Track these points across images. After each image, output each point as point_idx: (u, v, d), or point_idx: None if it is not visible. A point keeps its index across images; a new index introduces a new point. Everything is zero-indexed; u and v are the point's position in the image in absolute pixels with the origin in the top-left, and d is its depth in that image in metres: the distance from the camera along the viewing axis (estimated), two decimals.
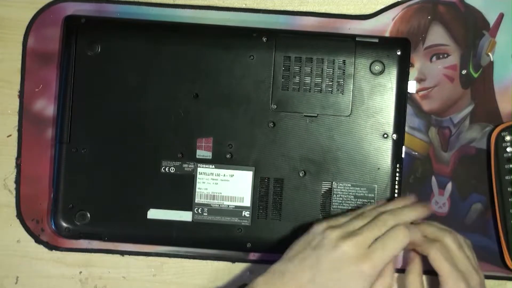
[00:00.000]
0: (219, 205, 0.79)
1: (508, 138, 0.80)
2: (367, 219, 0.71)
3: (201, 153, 0.79)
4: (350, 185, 0.78)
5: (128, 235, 0.80)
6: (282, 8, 0.83)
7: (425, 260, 0.75)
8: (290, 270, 0.69)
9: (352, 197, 0.79)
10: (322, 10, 0.83)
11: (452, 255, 0.73)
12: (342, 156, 0.78)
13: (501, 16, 0.82)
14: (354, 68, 0.79)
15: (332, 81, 0.79)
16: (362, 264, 0.68)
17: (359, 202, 0.79)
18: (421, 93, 0.82)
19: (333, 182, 0.79)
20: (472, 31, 0.82)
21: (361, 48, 0.79)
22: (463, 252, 0.73)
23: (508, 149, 0.80)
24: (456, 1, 0.82)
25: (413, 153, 0.82)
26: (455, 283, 0.71)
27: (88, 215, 0.79)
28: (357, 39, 0.79)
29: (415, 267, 0.75)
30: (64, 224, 0.79)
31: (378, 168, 0.79)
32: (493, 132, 0.81)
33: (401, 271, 0.81)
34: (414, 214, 0.72)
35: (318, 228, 0.71)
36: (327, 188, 0.79)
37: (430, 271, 0.74)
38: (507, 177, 0.79)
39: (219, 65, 0.79)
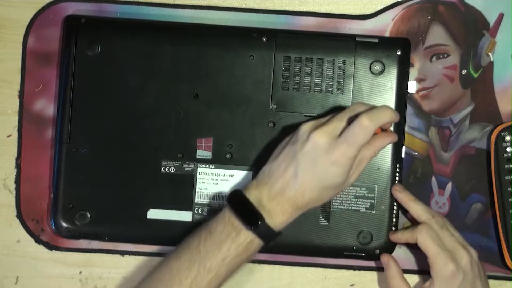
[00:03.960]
0: (219, 205, 0.79)
1: (508, 138, 0.80)
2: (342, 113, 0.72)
3: (201, 153, 0.79)
4: (350, 185, 0.78)
5: (128, 235, 0.80)
6: (282, 8, 0.83)
7: (419, 259, 0.75)
8: (275, 168, 0.71)
9: (352, 197, 0.79)
10: (322, 10, 0.83)
11: (438, 235, 0.74)
12: None
13: (501, 16, 0.82)
14: (354, 68, 0.79)
15: (332, 81, 0.79)
16: (332, 153, 0.69)
17: (359, 202, 0.79)
18: (421, 93, 0.82)
19: None
20: (472, 31, 0.82)
21: (361, 48, 0.79)
22: (447, 231, 0.75)
23: (508, 149, 0.80)
24: (456, 1, 0.82)
25: (413, 153, 0.82)
26: (444, 263, 0.73)
27: (88, 215, 0.79)
28: (357, 39, 0.79)
29: (394, 270, 0.76)
30: (64, 224, 0.79)
31: (378, 168, 0.79)
32: (493, 132, 0.81)
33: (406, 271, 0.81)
34: (386, 115, 0.71)
35: (299, 127, 0.72)
36: None
37: (424, 271, 0.75)
38: (507, 177, 0.79)
39: (219, 65, 0.79)
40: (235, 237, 0.70)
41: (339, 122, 0.71)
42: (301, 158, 0.70)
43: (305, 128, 0.71)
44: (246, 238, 0.70)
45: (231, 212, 0.70)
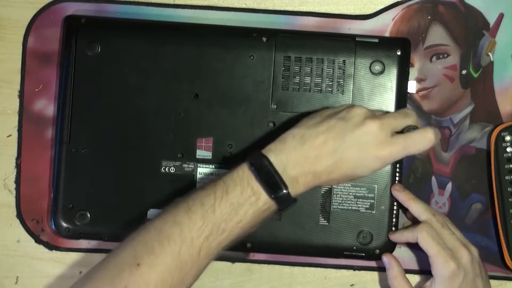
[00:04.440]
0: None
1: (508, 138, 0.80)
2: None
3: (201, 153, 0.79)
4: (350, 185, 0.78)
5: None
6: (282, 8, 0.83)
7: (419, 259, 0.75)
8: (312, 136, 0.69)
9: (352, 197, 0.79)
10: (322, 10, 0.83)
11: (438, 233, 0.74)
12: None
13: (501, 16, 0.82)
14: (354, 68, 0.79)
15: (332, 81, 0.79)
16: (382, 149, 0.69)
17: (359, 202, 0.79)
18: (421, 93, 0.82)
19: None
20: (472, 31, 0.82)
21: (361, 48, 0.79)
22: (448, 229, 0.75)
23: (508, 149, 0.80)
24: (456, 1, 0.82)
25: None
26: (445, 262, 0.73)
27: (88, 215, 0.79)
28: (357, 39, 0.79)
29: (396, 270, 0.76)
30: (64, 224, 0.79)
31: None
32: (493, 132, 0.81)
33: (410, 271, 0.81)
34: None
35: (342, 106, 0.71)
36: (327, 188, 0.79)
37: (424, 271, 0.75)
38: (507, 177, 0.79)
39: (219, 65, 0.79)
40: (254, 202, 0.67)
41: (395, 120, 0.71)
42: (348, 138, 0.68)
43: (359, 110, 0.70)
44: (265, 204, 0.67)
45: (252, 175, 0.67)
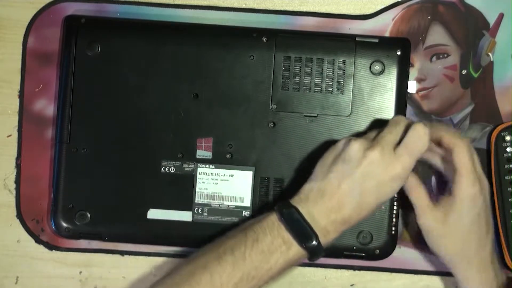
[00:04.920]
0: (219, 205, 0.79)
1: (508, 138, 0.80)
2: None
3: (201, 153, 0.79)
4: None
5: (128, 235, 0.80)
6: (282, 8, 0.83)
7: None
8: (326, 187, 0.70)
9: None
10: (322, 10, 0.83)
11: (472, 155, 0.73)
12: None
13: (501, 16, 0.82)
14: (354, 68, 0.79)
15: (332, 81, 0.79)
16: (392, 169, 0.69)
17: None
18: (421, 93, 0.82)
19: None
20: (472, 31, 0.82)
21: (361, 48, 0.79)
22: (478, 157, 0.74)
23: (508, 149, 0.80)
24: (456, 1, 0.82)
25: None
26: (473, 182, 0.72)
27: (88, 215, 0.79)
28: (357, 39, 0.79)
29: (415, 182, 0.75)
30: (64, 224, 0.79)
31: None
32: (493, 132, 0.81)
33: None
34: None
35: (341, 142, 0.71)
36: None
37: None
38: (507, 177, 0.80)
39: (219, 65, 0.79)
40: (285, 252, 0.68)
41: (391, 135, 0.70)
42: (358, 175, 0.69)
43: (356, 146, 0.69)
44: (296, 254, 0.69)
45: (282, 224, 0.69)
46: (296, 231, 0.68)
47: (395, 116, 0.76)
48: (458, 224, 0.72)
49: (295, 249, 0.68)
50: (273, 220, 0.69)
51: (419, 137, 0.70)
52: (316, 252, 0.69)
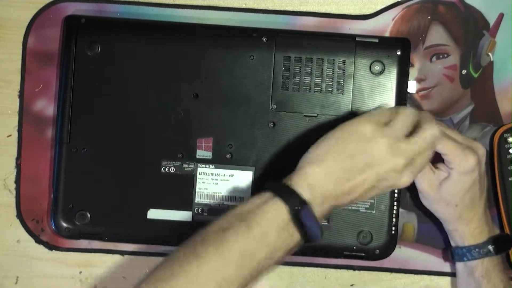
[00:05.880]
0: (219, 205, 0.79)
1: (510, 139, 0.80)
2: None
3: (201, 153, 0.79)
4: None
5: (128, 235, 0.80)
6: (282, 8, 0.83)
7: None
8: (346, 171, 0.66)
9: None
10: (322, 10, 0.83)
11: (446, 132, 0.72)
12: None
13: (501, 16, 0.82)
14: (354, 68, 0.79)
15: (332, 81, 0.79)
16: (406, 181, 0.68)
17: (359, 202, 0.78)
18: (421, 93, 0.82)
19: None
20: (472, 31, 0.82)
21: (361, 48, 0.79)
22: (451, 129, 0.75)
23: (511, 151, 0.80)
24: (456, 1, 0.82)
25: None
26: (465, 156, 0.72)
27: (88, 215, 0.79)
28: (357, 39, 0.79)
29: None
30: (64, 224, 0.79)
31: None
32: (495, 134, 0.81)
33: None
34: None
35: (366, 128, 0.67)
36: None
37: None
38: (510, 179, 0.80)
39: (219, 65, 0.79)
40: (289, 248, 0.65)
41: (418, 145, 0.68)
42: (379, 178, 0.67)
43: (384, 143, 0.67)
44: (297, 246, 0.66)
45: (296, 225, 0.64)
46: (305, 231, 0.65)
47: (403, 107, 0.73)
48: (452, 192, 0.74)
49: (298, 243, 0.65)
50: (283, 217, 0.64)
51: (431, 136, 0.68)
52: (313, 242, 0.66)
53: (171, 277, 0.62)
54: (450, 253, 0.78)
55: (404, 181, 0.68)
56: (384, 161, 0.66)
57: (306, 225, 0.65)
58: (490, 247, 0.75)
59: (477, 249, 0.75)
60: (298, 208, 0.64)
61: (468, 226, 0.75)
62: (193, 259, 0.63)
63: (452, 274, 0.81)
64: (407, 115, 0.69)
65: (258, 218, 0.64)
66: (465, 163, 0.72)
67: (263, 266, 0.65)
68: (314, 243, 0.67)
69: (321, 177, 0.66)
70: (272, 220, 0.64)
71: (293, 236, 0.65)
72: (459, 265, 0.77)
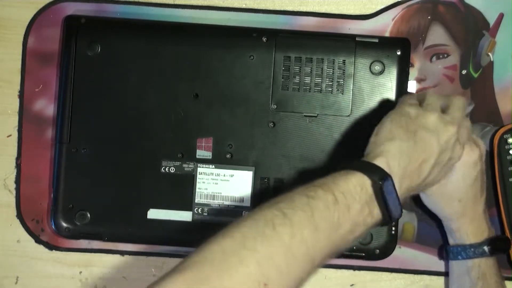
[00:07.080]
0: (219, 205, 0.79)
1: (510, 140, 0.80)
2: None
3: (201, 153, 0.79)
4: None
5: (128, 235, 0.80)
6: (282, 8, 0.83)
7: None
8: (412, 148, 0.67)
9: None
10: (322, 10, 0.83)
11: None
12: (342, 156, 0.78)
13: (501, 16, 0.82)
14: (354, 68, 0.79)
15: (332, 81, 0.79)
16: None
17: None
18: None
19: None
20: (472, 31, 0.82)
21: (361, 48, 0.79)
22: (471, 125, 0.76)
23: (511, 151, 0.80)
24: (456, 1, 0.82)
25: None
26: (471, 149, 0.74)
27: (88, 215, 0.79)
28: (357, 39, 0.79)
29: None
30: (64, 224, 0.79)
31: None
32: (495, 135, 0.80)
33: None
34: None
35: (411, 109, 0.70)
36: None
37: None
38: (510, 179, 0.80)
39: (219, 65, 0.79)
40: (367, 226, 0.63)
41: (460, 112, 0.71)
42: (443, 154, 0.69)
43: (433, 118, 0.69)
44: (374, 226, 0.64)
45: (379, 201, 0.63)
46: (388, 209, 0.64)
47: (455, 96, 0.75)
48: (456, 185, 0.74)
49: (378, 222, 0.64)
50: (366, 192, 0.63)
51: (459, 105, 0.72)
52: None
53: (264, 239, 0.58)
54: (445, 251, 0.78)
55: (458, 152, 0.70)
56: (440, 131, 0.68)
57: (388, 202, 0.64)
58: (486, 248, 0.75)
59: (472, 249, 0.75)
60: (381, 183, 0.63)
61: (471, 224, 0.75)
62: (286, 222, 0.59)
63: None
64: (435, 94, 0.72)
65: (342, 189, 0.62)
66: (470, 154, 0.73)
67: (343, 241, 0.62)
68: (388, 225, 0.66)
69: (396, 155, 0.66)
70: (356, 193, 0.62)
71: (373, 213, 0.63)
72: (453, 264, 0.77)
